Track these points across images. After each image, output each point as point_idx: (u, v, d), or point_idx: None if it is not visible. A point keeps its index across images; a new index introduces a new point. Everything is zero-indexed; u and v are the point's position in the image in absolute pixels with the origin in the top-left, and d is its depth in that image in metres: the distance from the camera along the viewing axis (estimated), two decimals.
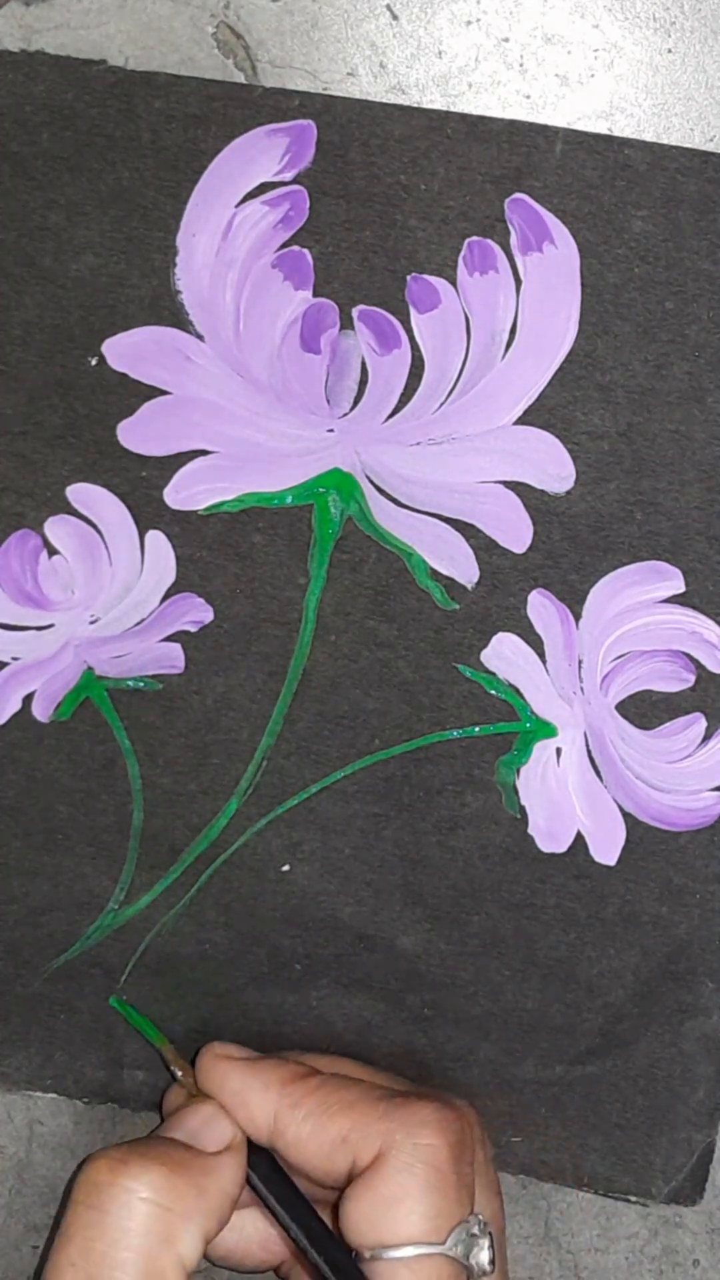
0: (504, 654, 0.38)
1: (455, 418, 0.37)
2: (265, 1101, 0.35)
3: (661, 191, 0.35)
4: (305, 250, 0.36)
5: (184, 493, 0.37)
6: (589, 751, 0.39)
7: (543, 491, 0.37)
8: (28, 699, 0.39)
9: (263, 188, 0.35)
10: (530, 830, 0.39)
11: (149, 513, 0.38)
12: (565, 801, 0.39)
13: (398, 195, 0.36)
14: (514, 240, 0.36)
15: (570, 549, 0.38)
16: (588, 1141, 0.41)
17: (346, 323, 0.36)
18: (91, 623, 0.38)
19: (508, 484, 0.37)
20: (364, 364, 0.36)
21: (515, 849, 0.39)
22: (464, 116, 0.35)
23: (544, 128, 0.35)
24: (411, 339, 0.36)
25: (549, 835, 0.39)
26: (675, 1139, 0.41)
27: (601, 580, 0.38)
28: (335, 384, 0.37)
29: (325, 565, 0.38)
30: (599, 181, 0.35)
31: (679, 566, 0.38)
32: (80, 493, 0.38)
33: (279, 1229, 0.36)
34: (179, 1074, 0.38)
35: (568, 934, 0.40)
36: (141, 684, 0.39)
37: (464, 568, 0.38)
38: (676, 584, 0.38)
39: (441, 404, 0.36)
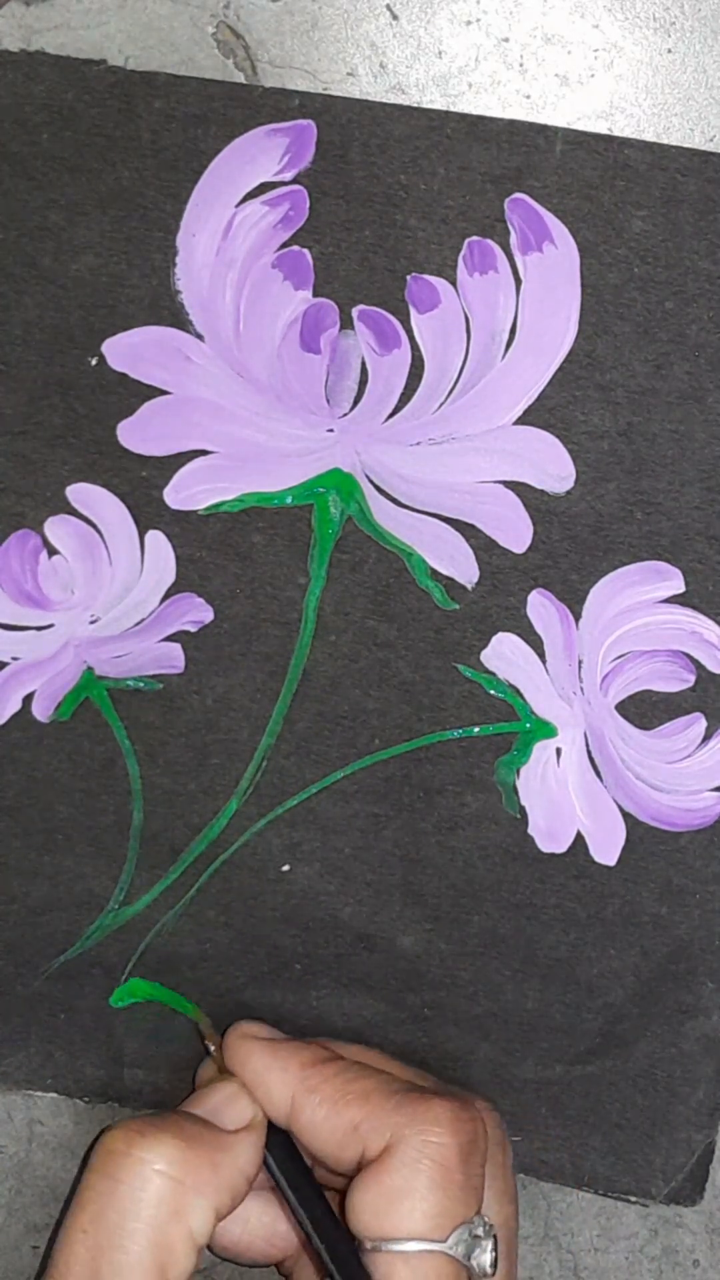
0: (504, 654, 0.38)
1: (455, 418, 0.37)
2: (284, 1083, 0.35)
3: (661, 191, 0.35)
4: (305, 250, 0.36)
5: (184, 493, 0.37)
6: (589, 751, 0.39)
7: (543, 491, 0.37)
8: (28, 699, 0.39)
9: (263, 188, 0.35)
10: (530, 830, 0.39)
11: (149, 513, 0.38)
12: (565, 801, 0.39)
13: (398, 195, 0.36)
14: (514, 240, 0.36)
15: (570, 549, 0.38)
16: (588, 1141, 0.41)
17: (346, 323, 0.36)
18: (91, 623, 0.38)
19: (508, 484, 0.37)
20: (364, 364, 0.36)
21: (515, 849, 0.39)
22: (464, 116, 0.35)
23: (544, 128, 0.35)
24: (411, 339, 0.36)
25: (549, 835, 0.39)
26: (675, 1139, 0.41)
27: (601, 580, 0.38)
28: (335, 384, 0.37)
29: (325, 565, 0.38)
30: (599, 181, 0.35)
31: (679, 566, 0.38)
32: (80, 493, 0.38)
33: (290, 1220, 0.36)
34: (212, 1048, 0.38)
35: (568, 934, 0.40)
36: (141, 684, 0.39)
37: (464, 568, 0.38)
38: (676, 584, 0.38)
39: (441, 404, 0.36)
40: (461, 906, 0.40)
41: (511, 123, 0.35)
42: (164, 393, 0.37)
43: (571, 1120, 0.41)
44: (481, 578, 0.38)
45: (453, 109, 0.36)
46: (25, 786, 0.40)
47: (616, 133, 0.36)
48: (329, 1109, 0.34)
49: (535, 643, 0.38)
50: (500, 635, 0.38)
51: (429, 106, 0.36)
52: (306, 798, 0.40)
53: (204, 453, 0.37)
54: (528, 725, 0.39)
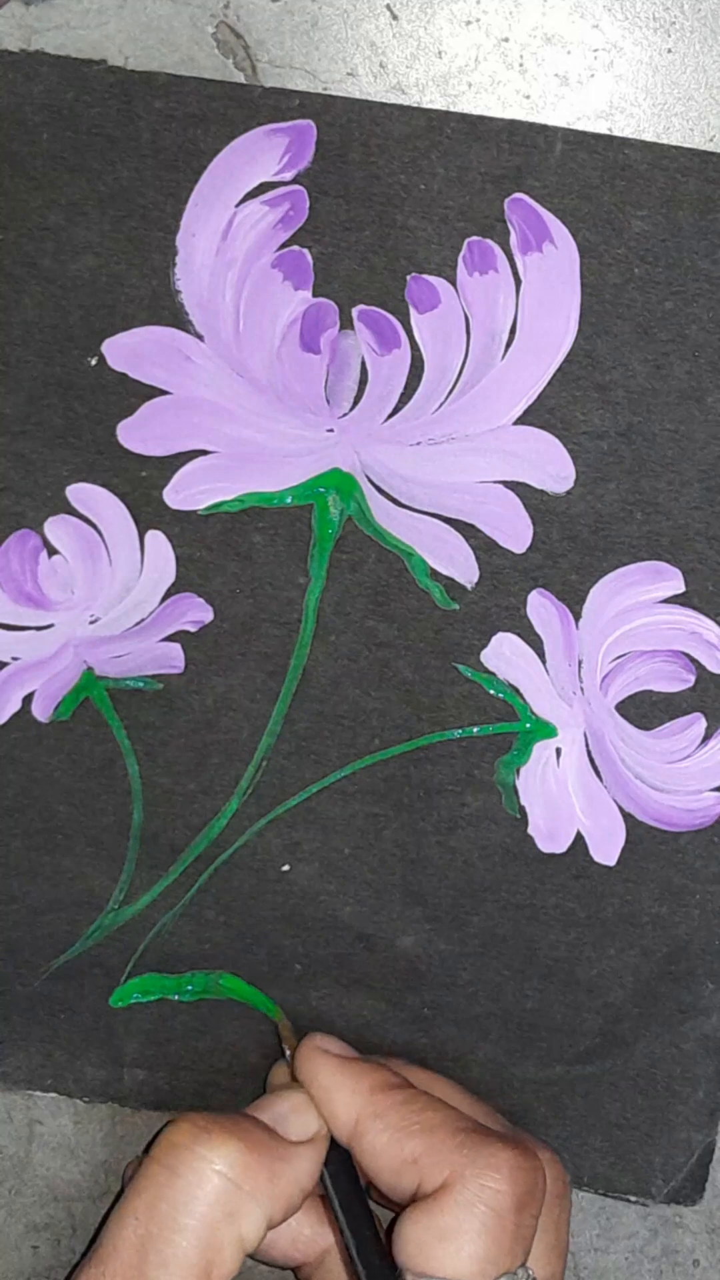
0: (504, 654, 0.38)
1: (455, 418, 0.37)
2: (351, 1103, 0.35)
3: (661, 191, 0.35)
4: (305, 250, 0.36)
5: (184, 493, 0.37)
6: (589, 752, 0.39)
7: (543, 491, 0.37)
8: (28, 699, 0.39)
9: (262, 188, 0.35)
10: (530, 830, 0.39)
11: (149, 513, 0.38)
12: (565, 802, 0.39)
13: (397, 195, 0.36)
14: (514, 240, 0.36)
15: (570, 549, 0.38)
16: (588, 1141, 0.41)
17: (346, 323, 0.36)
18: (91, 623, 0.38)
19: (508, 484, 0.37)
20: (364, 364, 0.36)
21: (515, 849, 0.39)
22: (464, 116, 0.35)
23: (544, 128, 0.35)
24: (411, 339, 0.36)
25: (549, 835, 0.39)
26: (675, 1139, 0.41)
27: (601, 580, 0.38)
28: (335, 384, 0.37)
29: (325, 565, 0.38)
30: (599, 181, 0.35)
31: (679, 566, 0.38)
32: (80, 493, 0.38)
33: (335, 1235, 0.36)
34: (288, 1052, 0.38)
35: (568, 934, 0.40)
36: (141, 684, 0.39)
37: (464, 568, 0.38)
38: (676, 584, 0.38)
39: (441, 404, 0.36)
40: (461, 906, 0.40)
41: (511, 123, 0.35)
42: (164, 393, 0.37)
43: (571, 1120, 0.41)
44: (481, 578, 0.38)
45: (453, 109, 0.36)
46: (25, 786, 0.40)
47: (616, 133, 0.36)
48: (392, 1136, 0.34)
49: (535, 643, 0.38)
50: (500, 635, 0.38)
51: (429, 106, 0.36)
52: (306, 798, 0.40)
53: (204, 453, 0.37)
54: (528, 725, 0.39)
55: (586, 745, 0.39)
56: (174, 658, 0.39)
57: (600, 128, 0.36)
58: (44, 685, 0.39)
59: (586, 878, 0.40)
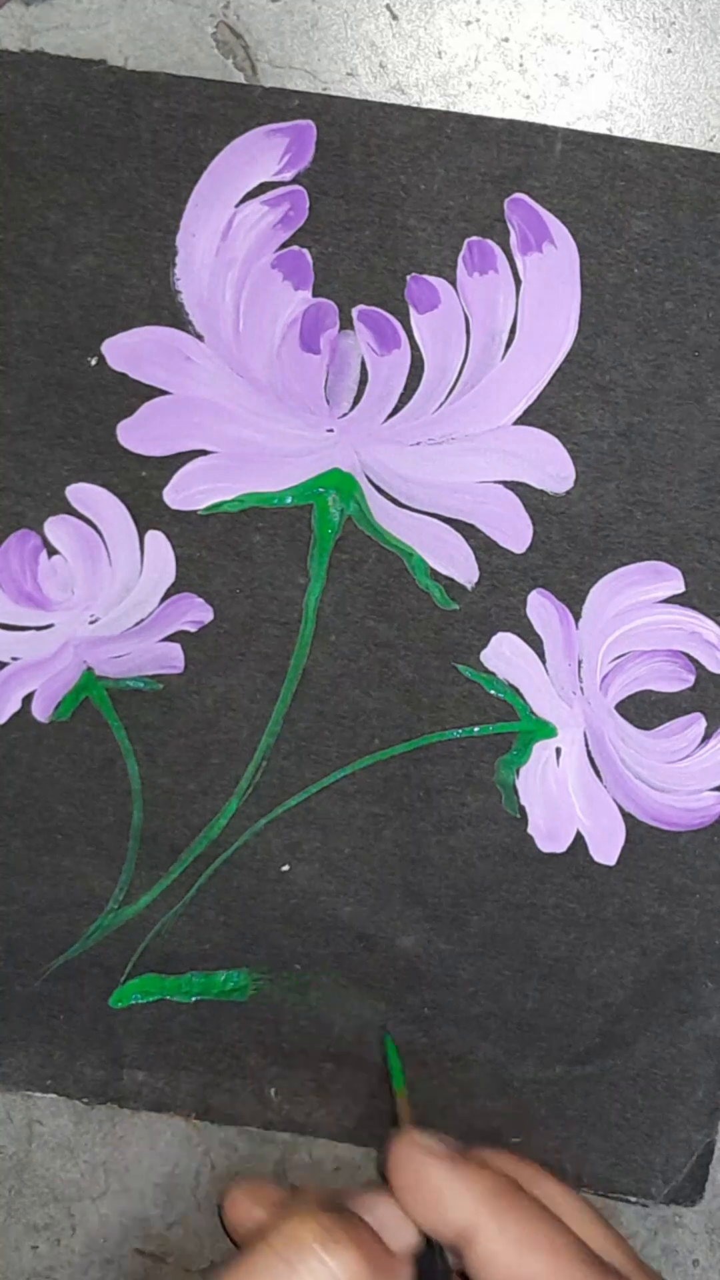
0: (504, 654, 0.38)
1: (455, 418, 0.37)
2: (463, 1206, 0.34)
3: (661, 191, 0.35)
4: (305, 250, 0.36)
5: (184, 493, 0.37)
6: (589, 751, 0.39)
7: (542, 491, 0.37)
8: (27, 699, 0.39)
9: (262, 188, 0.35)
10: (530, 830, 0.39)
11: (149, 513, 0.38)
12: (565, 801, 0.39)
13: (397, 195, 0.36)
14: (514, 240, 0.36)
15: (570, 549, 0.38)
16: (588, 1141, 0.41)
17: (346, 323, 0.36)
18: (91, 623, 0.38)
19: (508, 484, 0.37)
20: (364, 364, 0.36)
21: (515, 849, 0.39)
22: (464, 116, 0.35)
23: (544, 128, 0.35)
24: (411, 339, 0.36)
25: (549, 835, 0.39)
26: (675, 1139, 0.41)
27: (601, 580, 0.38)
28: (335, 384, 0.37)
29: (325, 565, 0.38)
30: (599, 181, 0.35)
31: (679, 566, 0.38)
32: (80, 493, 0.38)
33: None
34: (402, 1123, 0.38)
35: (568, 934, 0.40)
36: (141, 684, 0.39)
37: (464, 568, 0.38)
38: (676, 584, 0.38)
39: (441, 404, 0.36)
40: (461, 906, 0.40)
41: (511, 123, 0.35)
42: (164, 393, 0.37)
43: (571, 1120, 0.41)
44: (481, 578, 0.38)
45: (452, 109, 0.36)
46: (25, 786, 0.40)
47: (616, 133, 0.36)
48: (513, 1249, 0.33)
49: (535, 643, 0.38)
50: (500, 635, 0.38)
51: (429, 106, 0.36)
52: (306, 798, 0.40)
53: (204, 453, 0.37)
54: (528, 725, 0.39)
55: (586, 745, 0.39)
56: (174, 658, 0.39)
57: (600, 128, 0.36)
58: (44, 685, 0.39)
59: (586, 877, 0.40)
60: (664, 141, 0.36)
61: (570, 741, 0.39)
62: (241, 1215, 0.35)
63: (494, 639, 0.38)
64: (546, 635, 0.38)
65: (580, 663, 0.38)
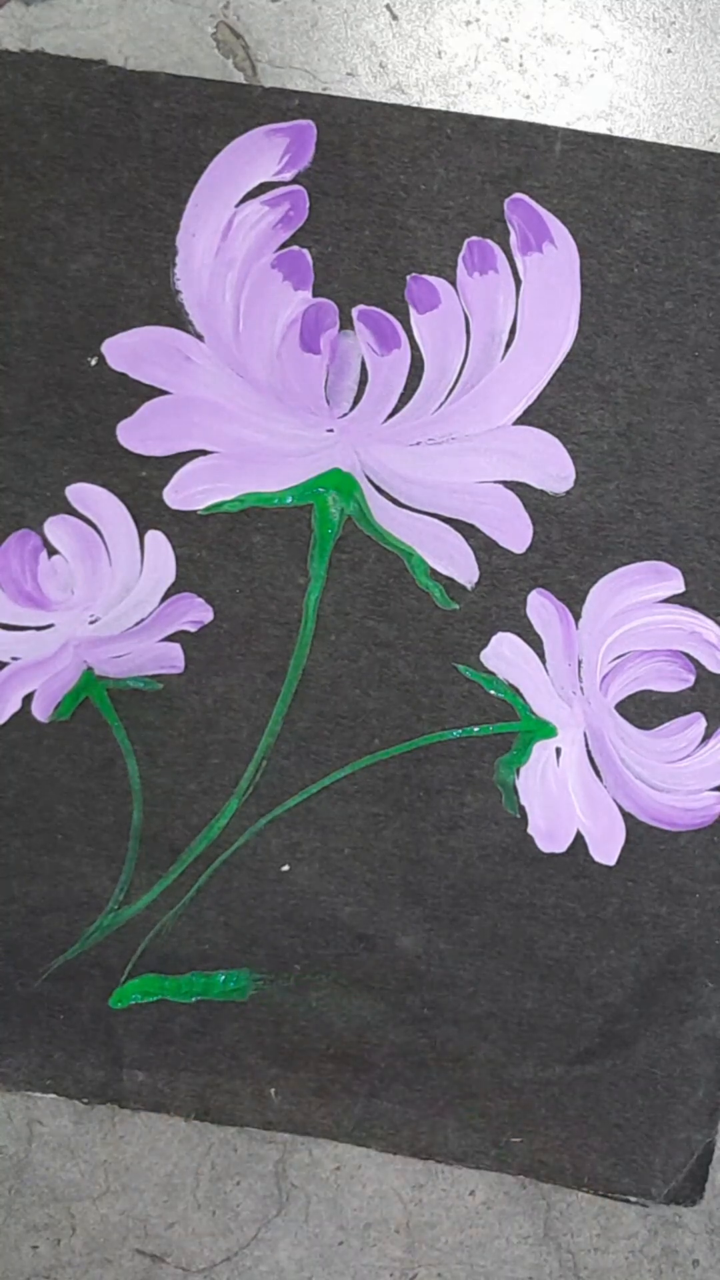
0: (504, 654, 0.38)
1: (455, 418, 0.37)
2: None
3: (661, 191, 0.35)
4: (305, 250, 0.36)
5: (184, 493, 0.37)
6: (589, 751, 0.39)
7: (542, 491, 0.37)
8: (28, 699, 0.39)
9: (262, 188, 0.35)
10: (530, 830, 0.39)
11: (149, 513, 0.38)
12: (565, 801, 0.39)
13: (398, 195, 0.36)
14: (514, 240, 0.36)
15: (570, 549, 0.38)
16: (588, 1141, 0.41)
17: (346, 323, 0.36)
18: (91, 623, 0.38)
19: (508, 484, 0.37)
20: (364, 364, 0.36)
21: (515, 849, 0.39)
22: (464, 116, 0.35)
23: (544, 128, 0.35)
24: (411, 339, 0.36)
25: (549, 835, 0.39)
26: (675, 1139, 0.41)
27: (601, 580, 0.38)
28: (335, 384, 0.37)
29: (325, 565, 0.38)
30: (599, 181, 0.35)
31: (679, 566, 0.38)
32: (80, 493, 0.38)
33: None
34: None
35: (568, 934, 0.40)
36: (141, 684, 0.39)
37: (464, 568, 0.38)
38: (676, 584, 0.38)
39: (441, 404, 0.36)
40: (461, 906, 0.40)
41: (511, 123, 0.35)
42: (164, 393, 0.37)
43: (571, 1120, 0.41)
44: (481, 578, 0.38)
45: (453, 109, 0.36)
46: (25, 786, 0.40)
47: (616, 133, 0.36)
48: None
49: (535, 643, 0.38)
50: (500, 635, 0.38)
51: (429, 106, 0.36)
52: (306, 798, 0.39)
53: (204, 453, 0.37)
54: (527, 725, 0.39)
55: (586, 745, 0.39)
56: (174, 658, 0.39)
57: (600, 128, 0.36)
58: (44, 685, 0.39)
59: (586, 877, 0.40)
60: (664, 141, 0.36)
61: (570, 741, 0.39)
62: None
63: (494, 639, 0.38)
64: (546, 635, 0.38)
65: (580, 663, 0.38)
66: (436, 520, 0.37)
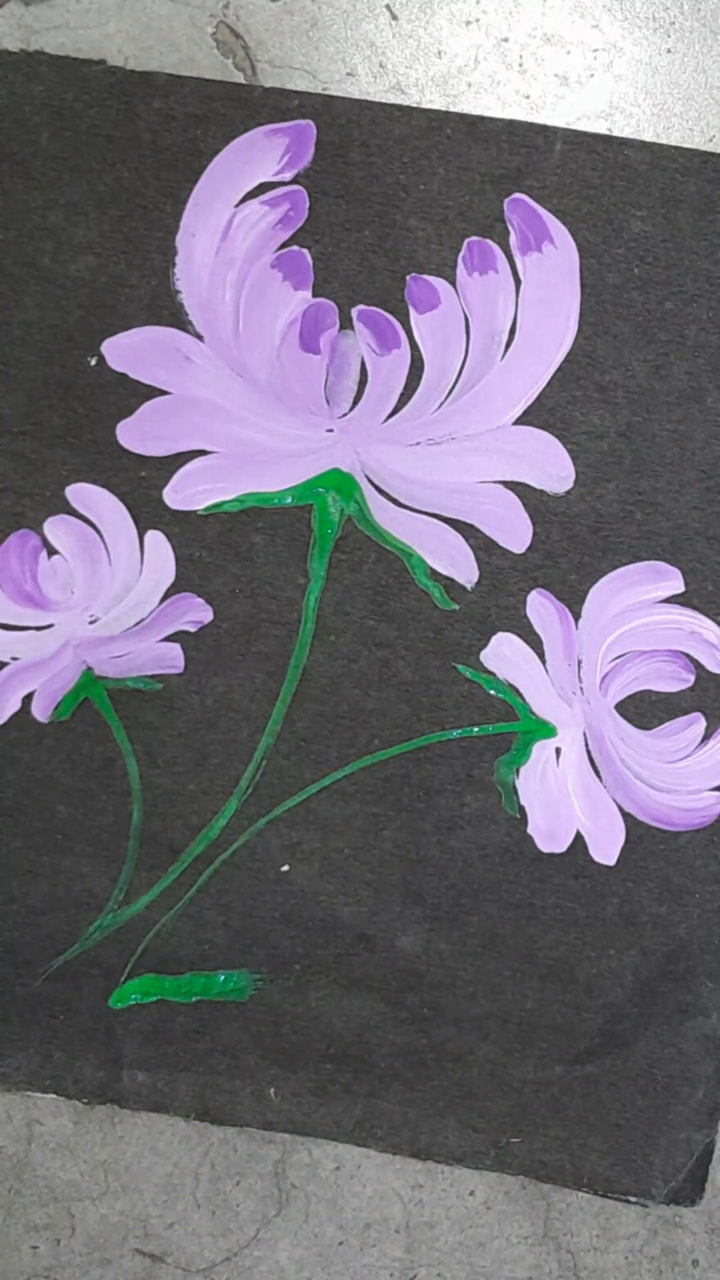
0: (503, 654, 0.38)
1: (455, 418, 0.37)
2: None
3: (661, 191, 0.35)
4: (305, 250, 0.36)
5: (184, 493, 0.37)
6: (588, 751, 0.39)
7: (542, 491, 0.37)
8: (27, 699, 0.39)
9: (262, 188, 0.35)
10: (530, 830, 0.39)
11: (149, 513, 0.38)
12: (565, 801, 0.39)
13: (398, 195, 0.36)
14: (514, 240, 0.36)
15: (570, 549, 0.38)
16: (588, 1141, 0.41)
17: (346, 323, 0.36)
18: (91, 623, 0.38)
19: (507, 484, 0.37)
20: (364, 364, 0.36)
21: (515, 849, 0.39)
22: (464, 117, 0.35)
23: (544, 128, 0.35)
24: (411, 339, 0.36)
25: (548, 835, 0.39)
26: (675, 1139, 0.41)
27: (601, 580, 0.38)
28: (335, 384, 0.37)
29: (325, 565, 0.38)
30: (599, 181, 0.35)
31: (679, 566, 0.38)
32: (80, 493, 0.38)
33: None
34: None
35: (567, 934, 0.40)
36: (141, 684, 0.39)
37: (464, 568, 0.38)
38: (676, 584, 0.38)
39: (441, 404, 0.36)
40: (461, 906, 0.40)
41: (511, 123, 0.35)
42: (164, 393, 0.37)
43: (571, 1120, 0.41)
44: (481, 578, 0.38)
45: (452, 109, 0.36)
46: (25, 786, 0.40)
47: (616, 133, 0.36)
48: None
49: (535, 643, 0.38)
50: (500, 635, 0.38)
51: (429, 106, 0.36)
52: (306, 798, 0.39)
53: (204, 453, 0.37)
54: (527, 725, 0.39)
55: (586, 745, 0.39)
56: (174, 658, 0.39)
57: (600, 128, 0.36)
58: (44, 685, 0.39)
59: (586, 877, 0.40)
60: (664, 141, 0.36)
61: (570, 741, 0.39)
62: None
63: (494, 639, 0.38)
64: (546, 635, 0.38)
65: (580, 663, 0.38)
66: (436, 520, 0.37)
